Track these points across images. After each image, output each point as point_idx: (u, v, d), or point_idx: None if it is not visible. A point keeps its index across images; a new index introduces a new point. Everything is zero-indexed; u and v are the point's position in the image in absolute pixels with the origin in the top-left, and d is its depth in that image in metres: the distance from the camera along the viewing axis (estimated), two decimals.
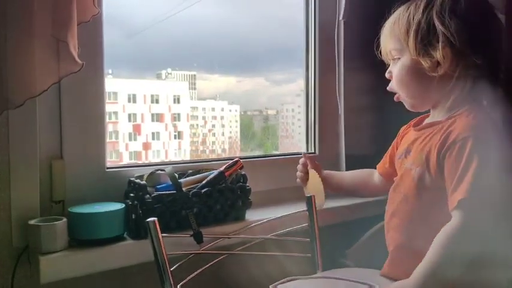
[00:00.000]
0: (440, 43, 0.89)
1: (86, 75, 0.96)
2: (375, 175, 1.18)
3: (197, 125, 1.52)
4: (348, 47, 1.34)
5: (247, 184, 1.08)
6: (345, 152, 1.36)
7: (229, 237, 1.01)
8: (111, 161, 1.14)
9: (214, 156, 1.49)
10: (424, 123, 1.00)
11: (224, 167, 1.07)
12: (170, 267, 0.86)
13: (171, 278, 0.85)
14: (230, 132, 1.57)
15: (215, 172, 1.06)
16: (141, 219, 0.92)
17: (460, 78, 0.91)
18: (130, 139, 1.39)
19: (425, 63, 0.91)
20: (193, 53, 1.40)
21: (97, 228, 0.92)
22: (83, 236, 0.92)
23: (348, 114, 1.35)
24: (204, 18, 1.36)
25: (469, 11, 0.91)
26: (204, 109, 1.54)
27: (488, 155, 0.83)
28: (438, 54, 0.89)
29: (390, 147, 1.12)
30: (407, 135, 1.04)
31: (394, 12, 1.00)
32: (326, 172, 1.23)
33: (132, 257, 0.94)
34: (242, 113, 1.60)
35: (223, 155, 1.53)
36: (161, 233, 0.85)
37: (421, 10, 0.93)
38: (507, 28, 1.54)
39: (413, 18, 0.93)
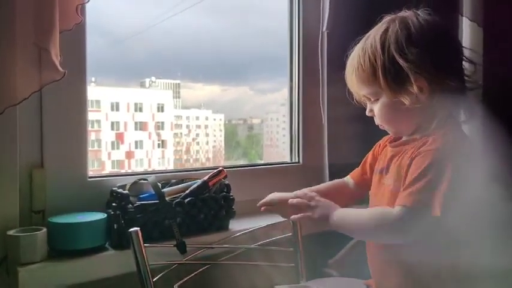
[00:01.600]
0: (412, 77, 0.89)
1: (68, 82, 0.94)
2: (349, 182, 1.18)
3: (181, 133, 1.52)
4: (331, 58, 1.35)
5: (231, 194, 1.08)
6: (328, 162, 1.36)
7: (212, 247, 1.00)
8: (93, 169, 1.12)
9: (198, 165, 1.49)
10: (400, 140, 1.01)
11: (208, 176, 1.06)
12: (153, 278, 0.85)
13: None
14: (214, 141, 1.57)
15: (199, 182, 1.05)
16: (124, 229, 0.91)
17: (437, 102, 0.92)
18: (113, 148, 1.38)
19: (406, 100, 0.91)
20: (177, 61, 1.39)
21: (78, 239, 0.90)
22: (64, 246, 0.90)
23: (332, 124, 1.36)
24: (188, 28, 1.36)
25: (425, 37, 0.91)
26: (188, 118, 1.54)
27: (444, 171, 0.85)
28: (414, 88, 0.89)
29: (370, 157, 1.12)
30: (385, 150, 1.05)
31: (350, 53, 0.99)
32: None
33: (114, 267, 0.93)
34: (226, 121, 1.60)
35: (208, 164, 1.53)
36: (144, 243, 0.85)
37: (379, 51, 0.92)
38: (485, 40, 1.59)
39: (375, 61, 0.92)
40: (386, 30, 0.92)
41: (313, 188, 1.20)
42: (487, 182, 0.85)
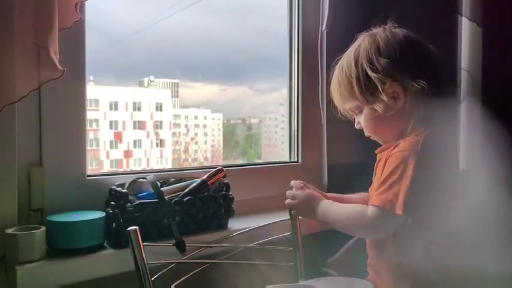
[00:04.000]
0: (379, 86, 0.96)
1: (67, 81, 0.94)
2: None
3: (179, 133, 1.51)
4: (330, 57, 1.34)
5: (230, 193, 1.08)
6: (327, 162, 1.36)
7: (211, 246, 1.00)
8: (91, 169, 1.12)
9: (196, 165, 1.48)
10: (382, 147, 1.05)
11: (207, 175, 1.06)
12: (151, 277, 0.85)
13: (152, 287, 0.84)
14: (213, 140, 1.57)
15: (198, 180, 1.05)
16: (122, 228, 0.91)
17: (413, 106, 0.98)
18: (111, 147, 1.37)
19: (379, 108, 0.97)
20: (176, 61, 1.39)
21: (76, 237, 0.90)
22: (62, 245, 0.90)
23: (331, 123, 1.36)
24: (187, 27, 1.36)
25: (392, 48, 0.98)
26: (186, 117, 1.53)
27: (407, 171, 0.90)
28: (384, 96, 0.96)
29: None
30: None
31: (333, 72, 1.07)
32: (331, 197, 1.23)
33: (112, 266, 0.92)
34: (225, 121, 1.60)
35: (206, 164, 1.53)
36: (142, 242, 0.84)
37: (353, 66, 1.00)
38: (484, 40, 1.59)
39: (351, 76, 1.00)
40: (358, 47, 1.01)
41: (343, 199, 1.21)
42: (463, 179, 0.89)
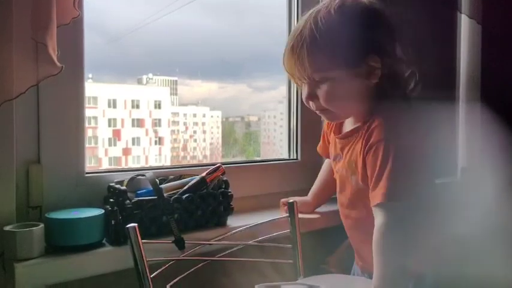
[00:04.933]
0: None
1: (66, 78, 0.94)
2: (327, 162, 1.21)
3: (178, 130, 1.51)
4: None
5: (229, 190, 1.07)
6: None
7: (210, 244, 1.00)
8: (90, 166, 1.11)
9: (195, 163, 1.48)
10: (346, 131, 1.02)
11: (206, 172, 1.06)
12: (150, 274, 0.85)
13: (151, 285, 0.84)
14: (212, 138, 1.57)
15: (197, 178, 1.05)
16: (121, 225, 0.90)
17: (376, 83, 0.94)
18: (110, 144, 1.37)
19: (363, 79, 0.93)
20: (175, 58, 1.39)
21: (75, 235, 0.90)
22: (61, 242, 0.89)
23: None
24: (186, 25, 1.36)
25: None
26: (185, 115, 1.53)
27: (401, 156, 0.87)
28: (372, 62, 0.92)
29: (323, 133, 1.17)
30: (332, 137, 1.08)
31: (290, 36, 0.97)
32: (310, 197, 1.24)
33: (111, 263, 0.92)
34: (224, 119, 1.60)
35: (205, 161, 1.53)
36: (141, 239, 0.84)
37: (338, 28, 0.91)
38: (483, 37, 1.59)
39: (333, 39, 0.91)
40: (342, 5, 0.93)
41: (316, 191, 1.22)
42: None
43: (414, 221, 0.87)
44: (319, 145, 1.19)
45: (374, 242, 0.88)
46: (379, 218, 0.88)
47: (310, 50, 0.92)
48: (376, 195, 0.88)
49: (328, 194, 1.22)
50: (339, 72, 0.93)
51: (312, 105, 0.99)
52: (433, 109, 0.99)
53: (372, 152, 0.90)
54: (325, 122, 1.13)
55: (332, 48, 0.91)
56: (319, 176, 1.23)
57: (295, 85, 1.40)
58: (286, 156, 1.42)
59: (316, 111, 1.00)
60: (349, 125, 1.03)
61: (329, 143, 1.12)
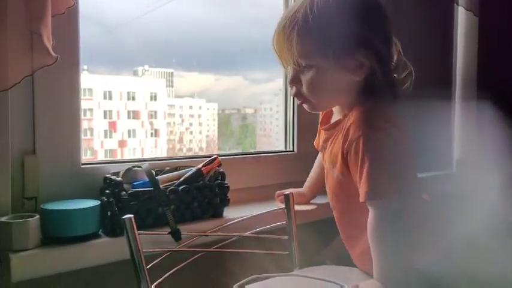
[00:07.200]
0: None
1: (61, 69, 0.93)
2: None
3: (174, 122, 1.51)
4: None
5: (226, 182, 1.07)
6: None
7: (206, 235, 1.00)
8: (85, 158, 1.11)
9: (191, 155, 1.48)
10: (330, 124, 1.02)
11: (202, 164, 1.06)
12: (147, 265, 0.85)
13: (147, 276, 0.84)
14: (208, 130, 1.56)
15: (193, 169, 1.05)
16: (117, 216, 0.90)
17: (362, 79, 0.93)
18: (105, 136, 1.37)
19: (351, 71, 0.91)
20: (171, 50, 1.38)
21: (71, 226, 0.89)
22: (56, 233, 0.89)
23: None
24: (182, 16, 1.35)
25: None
26: (181, 107, 1.53)
27: (380, 151, 0.87)
28: (361, 57, 0.90)
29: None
30: (320, 131, 1.07)
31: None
32: (305, 188, 1.24)
33: (107, 255, 0.92)
34: (220, 111, 1.59)
35: (201, 154, 1.52)
36: (137, 230, 0.84)
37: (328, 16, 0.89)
38: (480, 30, 1.59)
39: (321, 27, 0.89)
40: None
41: (310, 184, 1.22)
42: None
43: (404, 215, 0.87)
44: (315, 140, 1.18)
45: (368, 236, 0.89)
46: (370, 213, 0.89)
47: (300, 33, 0.89)
48: (361, 194, 0.88)
49: (322, 185, 1.22)
50: (326, 62, 0.91)
51: (293, 90, 0.97)
52: (428, 102, 0.99)
53: (352, 150, 0.89)
54: (320, 115, 1.13)
55: (322, 36, 0.89)
56: (313, 167, 1.23)
57: None
58: (282, 148, 1.42)
59: (295, 98, 0.99)
60: (335, 117, 1.03)
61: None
